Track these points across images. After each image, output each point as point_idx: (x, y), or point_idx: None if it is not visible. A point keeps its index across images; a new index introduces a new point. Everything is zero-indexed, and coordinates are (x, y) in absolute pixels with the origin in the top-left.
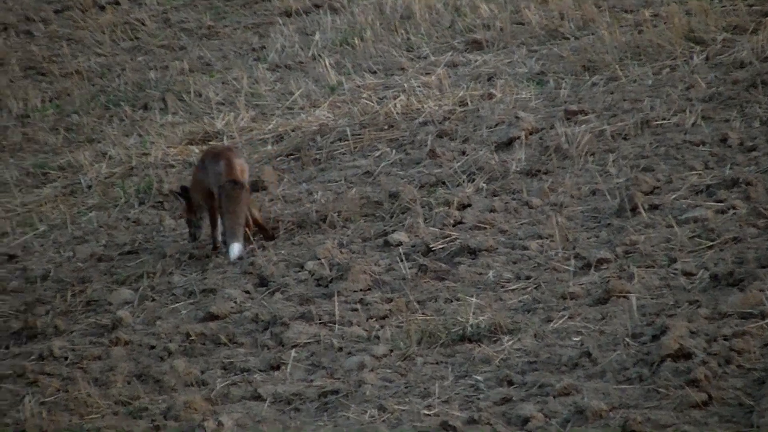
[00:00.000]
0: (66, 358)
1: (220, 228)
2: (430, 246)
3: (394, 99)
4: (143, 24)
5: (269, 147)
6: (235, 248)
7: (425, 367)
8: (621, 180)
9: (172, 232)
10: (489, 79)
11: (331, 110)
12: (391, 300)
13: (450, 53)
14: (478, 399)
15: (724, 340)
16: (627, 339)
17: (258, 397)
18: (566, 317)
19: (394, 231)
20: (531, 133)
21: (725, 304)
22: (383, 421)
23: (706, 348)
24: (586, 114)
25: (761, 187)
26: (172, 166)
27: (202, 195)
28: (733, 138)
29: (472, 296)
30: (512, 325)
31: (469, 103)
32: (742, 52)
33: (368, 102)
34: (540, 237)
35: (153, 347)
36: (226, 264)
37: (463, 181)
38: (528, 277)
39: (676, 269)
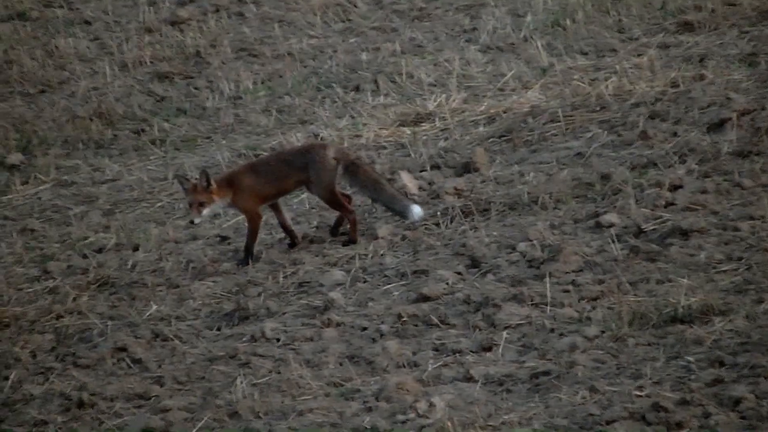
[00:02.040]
0: (278, 340)
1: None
2: (642, 227)
3: (606, 80)
4: (355, 6)
5: (481, 128)
6: (416, 209)
7: (637, 349)
8: None
9: (384, 214)
10: (700, 61)
11: (543, 92)
12: (602, 281)
13: (661, 34)
14: (690, 380)
15: None
16: None
17: (470, 379)
18: None
19: (605, 212)
20: (742, 115)
21: None
22: (595, 402)
23: None
24: None
25: None
26: (384, 148)
27: (261, 198)
28: None
29: (683, 277)
30: (724, 306)
31: (681, 84)
32: None
33: (580, 83)
34: (752, 218)
35: (365, 329)
36: (438, 245)
37: (675, 163)
38: (740, 258)
39: None
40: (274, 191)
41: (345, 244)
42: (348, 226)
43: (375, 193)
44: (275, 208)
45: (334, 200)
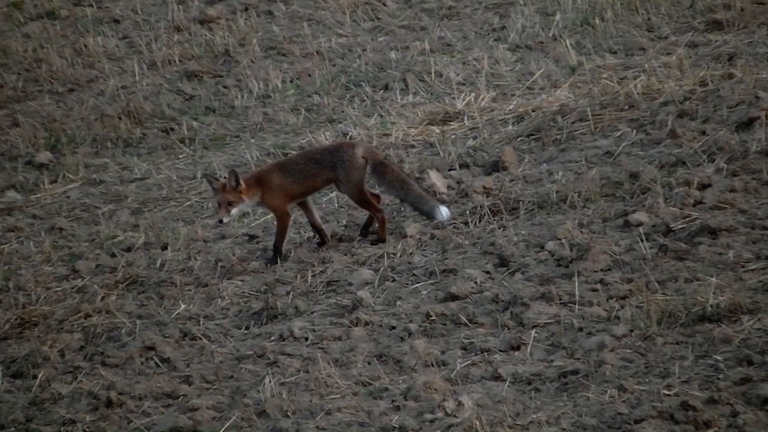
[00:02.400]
0: (306, 339)
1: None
2: (671, 226)
3: (635, 79)
4: (384, 4)
5: (510, 127)
6: (443, 209)
7: (665, 347)
8: None
9: (412, 213)
10: (729, 59)
11: (572, 90)
12: (631, 280)
13: (690, 33)
14: (718, 379)
15: None
16: None
17: (498, 378)
18: None
19: (634, 211)
20: None
21: None
22: (623, 401)
23: None
24: None
25: None
26: (413, 147)
27: (289, 196)
28: None
29: (712, 276)
30: (752, 305)
31: (710, 83)
32: None
33: (609, 82)
34: None
35: (393, 328)
36: (467, 244)
37: (704, 161)
38: None
39: None
40: (303, 190)
41: (374, 243)
42: (377, 225)
43: (403, 193)
44: (305, 207)
45: (362, 199)
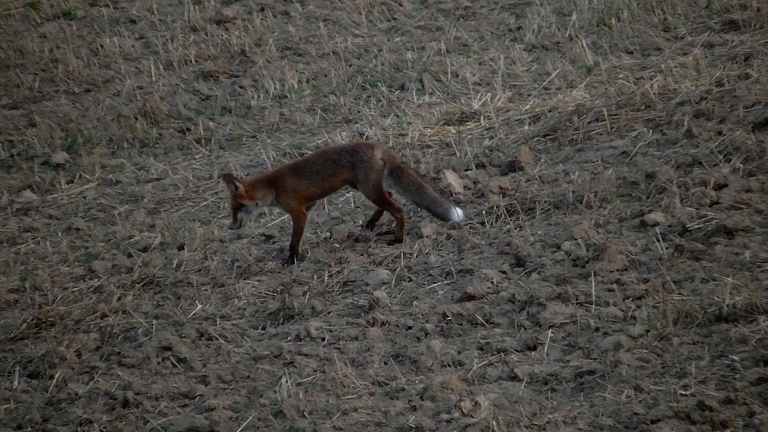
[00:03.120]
0: (323, 339)
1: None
2: (687, 226)
3: (651, 79)
4: (400, 5)
5: (526, 127)
6: (458, 211)
7: (681, 347)
8: None
9: (428, 214)
10: (746, 59)
11: (588, 91)
12: (647, 280)
13: (707, 33)
14: (735, 379)
15: None
16: None
17: (514, 378)
18: None
19: (650, 211)
20: None
21: None
22: (639, 401)
23: None
24: None
25: None
26: (429, 147)
27: (306, 197)
28: None
29: (728, 276)
30: None
31: (726, 83)
32: None
33: (625, 82)
34: None
35: (410, 328)
36: (483, 244)
37: (720, 161)
38: None
39: None
40: (319, 191)
41: (391, 243)
42: (394, 225)
43: (418, 197)
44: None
45: (381, 199)
